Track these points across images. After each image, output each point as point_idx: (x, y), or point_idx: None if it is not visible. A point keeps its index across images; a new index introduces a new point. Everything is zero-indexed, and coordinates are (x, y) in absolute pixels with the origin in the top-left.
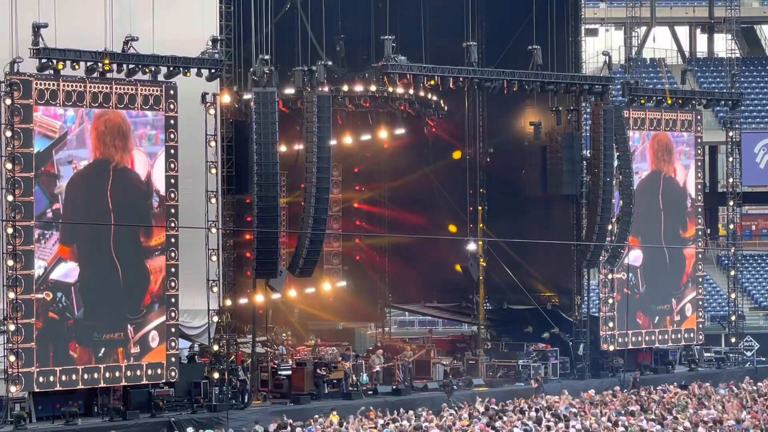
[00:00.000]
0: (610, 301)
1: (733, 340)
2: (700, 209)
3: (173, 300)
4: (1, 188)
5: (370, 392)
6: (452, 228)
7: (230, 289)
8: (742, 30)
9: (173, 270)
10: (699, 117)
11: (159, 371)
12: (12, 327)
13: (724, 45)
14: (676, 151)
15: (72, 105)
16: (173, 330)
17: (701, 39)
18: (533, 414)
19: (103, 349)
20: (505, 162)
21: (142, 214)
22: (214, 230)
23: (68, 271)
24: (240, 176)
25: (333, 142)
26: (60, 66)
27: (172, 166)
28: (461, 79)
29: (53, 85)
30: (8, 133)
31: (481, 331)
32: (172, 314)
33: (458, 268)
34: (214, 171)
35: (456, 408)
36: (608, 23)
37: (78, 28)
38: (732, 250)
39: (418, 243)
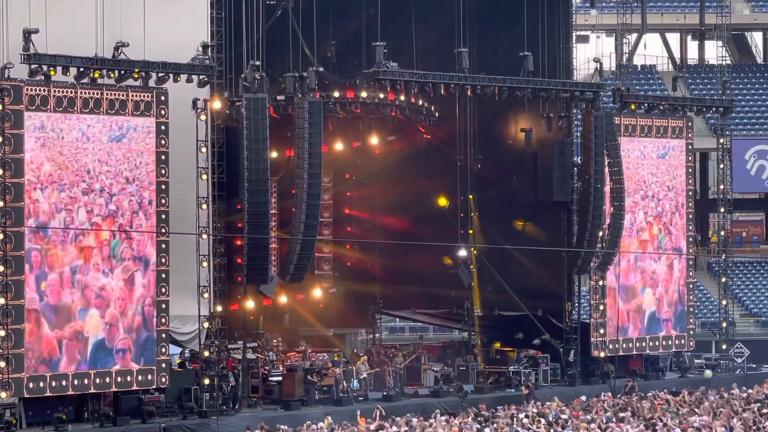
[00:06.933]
0: (601, 307)
1: (723, 346)
2: (691, 216)
3: (164, 306)
4: None
5: (360, 398)
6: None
7: (221, 295)
8: (733, 37)
9: (164, 276)
10: (690, 124)
11: (149, 377)
12: (2, 333)
13: (715, 52)
14: None
15: (63, 111)
16: (164, 336)
17: (692, 46)
18: (524, 419)
19: None
20: (496, 168)
21: None
22: (205, 236)
23: None
24: (231, 182)
25: (324, 149)
26: (52, 72)
27: (163, 172)
28: (452, 85)
29: (44, 90)
30: None
31: (472, 337)
32: (163, 320)
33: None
34: (205, 177)
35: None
36: (599, 30)
37: (69, 34)
38: (723, 257)
39: (408, 249)
